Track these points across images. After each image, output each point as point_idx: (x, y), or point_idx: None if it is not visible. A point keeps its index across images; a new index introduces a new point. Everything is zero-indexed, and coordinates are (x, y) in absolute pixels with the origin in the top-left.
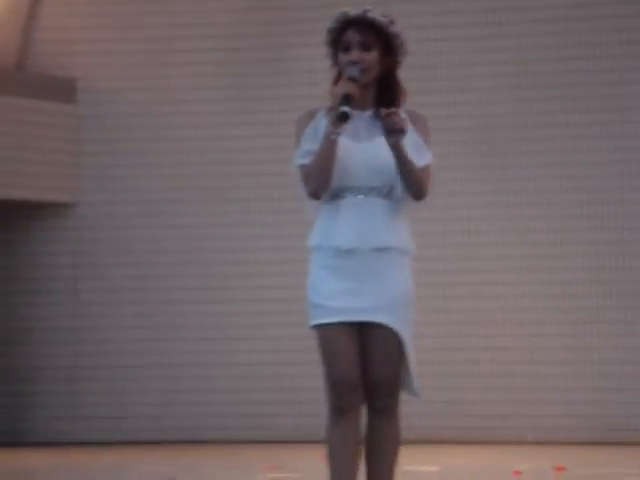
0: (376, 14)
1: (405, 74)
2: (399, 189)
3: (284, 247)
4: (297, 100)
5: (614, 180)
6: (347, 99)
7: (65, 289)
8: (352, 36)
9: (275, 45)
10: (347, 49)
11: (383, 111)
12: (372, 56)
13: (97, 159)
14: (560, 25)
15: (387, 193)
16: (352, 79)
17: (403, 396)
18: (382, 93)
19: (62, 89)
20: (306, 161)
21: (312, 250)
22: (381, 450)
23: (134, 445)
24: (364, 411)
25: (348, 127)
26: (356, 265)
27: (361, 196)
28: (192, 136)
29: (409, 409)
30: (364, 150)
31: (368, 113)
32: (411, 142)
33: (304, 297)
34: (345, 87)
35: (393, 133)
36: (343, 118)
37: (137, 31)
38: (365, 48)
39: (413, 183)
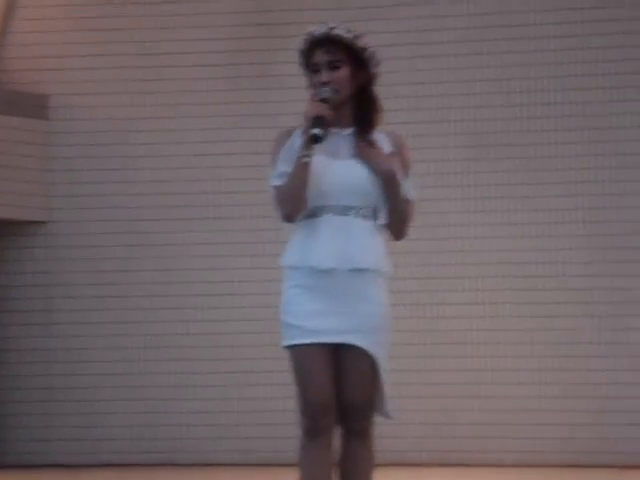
0: (341, 30)
1: (394, 78)
2: (382, 211)
3: (261, 266)
4: (280, 117)
5: (606, 200)
6: (318, 121)
7: (37, 309)
8: (320, 57)
9: (254, 62)
10: (317, 70)
11: (358, 148)
12: (342, 74)
13: (69, 176)
14: (550, 29)
15: (365, 213)
16: (323, 100)
17: (377, 418)
18: (359, 111)
19: (34, 105)
20: (280, 183)
21: (287, 269)
22: (355, 472)
23: (109, 467)
24: (337, 433)
25: (327, 145)
26: (332, 286)
27: (338, 216)
28: (167, 153)
29: (384, 431)
30: (342, 169)
31: (347, 131)
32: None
33: (277, 317)
34: (316, 109)
35: (381, 173)
36: (314, 140)
37: (110, 47)
38: (334, 67)
39: (398, 221)
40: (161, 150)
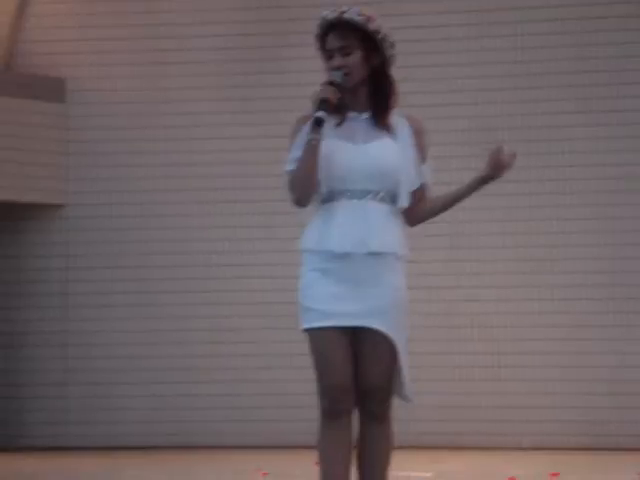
0: (352, 14)
1: (401, 73)
2: (402, 196)
3: (275, 249)
4: (289, 101)
5: (613, 184)
6: (324, 103)
7: (54, 292)
8: (332, 42)
9: (270, 45)
10: (330, 56)
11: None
12: (354, 59)
13: (86, 159)
14: (557, 25)
15: (383, 197)
16: (331, 83)
17: (396, 401)
18: (374, 94)
19: (51, 89)
20: (292, 168)
21: (304, 253)
22: (373, 455)
23: (124, 450)
24: (356, 415)
25: (344, 129)
26: (350, 269)
27: (356, 199)
28: (183, 136)
29: (402, 414)
30: (360, 152)
31: (365, 115)
32: (410, 157)
33: (295, 300)
34: (323, 91)
35: (493, 177)
36: (318, 123)
37: (126, 30)
38: (346, 52)
39: (428, 218)
40: (176, 133)
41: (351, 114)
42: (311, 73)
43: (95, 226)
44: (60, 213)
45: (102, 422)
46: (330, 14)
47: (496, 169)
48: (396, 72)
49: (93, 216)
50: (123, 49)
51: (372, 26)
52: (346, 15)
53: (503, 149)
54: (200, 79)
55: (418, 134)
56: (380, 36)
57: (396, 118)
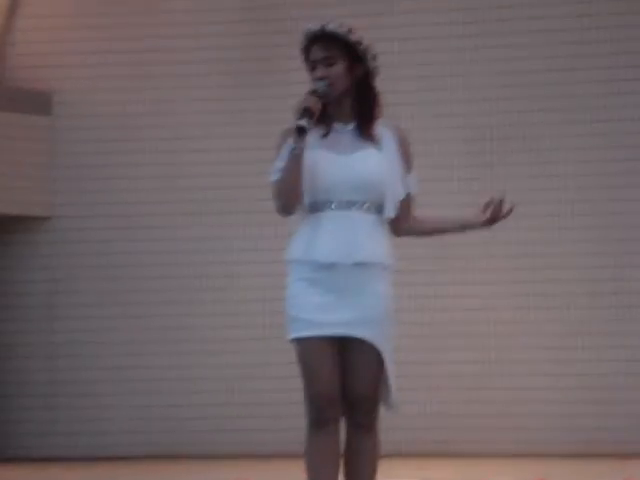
0: (334, 26)
1: (393, 86)
2: (388, 207)
3: (263, 260)
4: (282, 113)
5: (609, 192)
6: (306, 112)
7: (40, 304)
8: (315, 53)
9: (260, 58)
10: (314, 67)
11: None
12: (337, 69)
13: (72, 172)
14: (552, 30)
15: (369, 207)
16: (314, 92)
17: (382, 409)
18: (359, 105)
19: (37, 102)
20: (277, 177)
21: (291, 263)
22: (360, 464)
23: (111, 460)
24: (343, 425)
25: (330, 140)
26: (336, 279)
27: (342, 210)
28: (169, 149)
29: (388, 423)
30: (345, 163)
31: (350, 126)
32: (396, 167)
33: (281, 310)
34: (305, 101)
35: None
36: (300, 132)
37: (113, 43)
38: (329, 63)
39: (419, 236)
40: (163, 146)
41: (336, 125)
42: (300, 85)
43: (81, 238)
44: (46, 225)
45: (89, 433)
46: (313, 26)
47: (493, 219)
48: (384, 84)
49: (79, 228)
50: (109, 62)
51: (354, 37)
52: (328, 27)
53: (504, 200)
54: (187, 91)
55: (403, 144)
56: (362, 47)
57: (381, 128)
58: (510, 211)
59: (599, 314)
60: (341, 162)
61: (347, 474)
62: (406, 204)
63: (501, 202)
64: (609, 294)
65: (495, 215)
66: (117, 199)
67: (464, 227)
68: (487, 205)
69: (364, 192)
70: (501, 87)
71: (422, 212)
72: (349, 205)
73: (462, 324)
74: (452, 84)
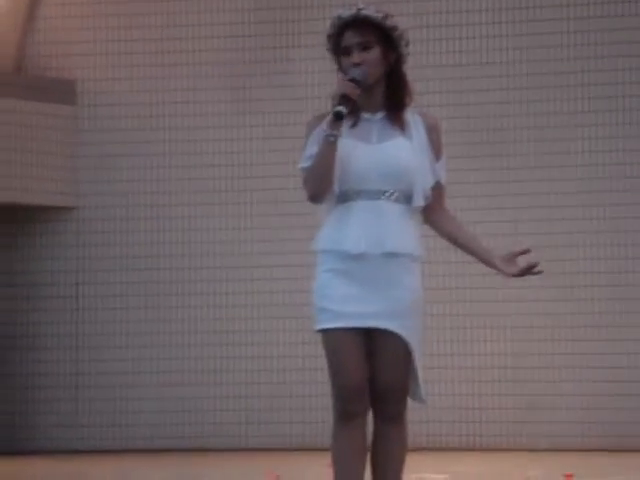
0: (370, 11)
1: (408, 73)
2: (417, 196)
3: (289, 251)
4: (299, 102)
5: (622, 182)
6: (344, 99)
7: (65, 294)
8: (350, 38)
9: (278, 46)
10: (348, 52)
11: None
12: (373, 55)
13: (96, 162)
14: (561, 24)
15: (398, 197)
16: (352, 80)
17: (410, 402)
18: (390, 93)
19: (61, 91)
20: (307, 164)
21: (319, 254)
22: (387, 457)
23: (135, 453)
24: (370, 417)
25: (359, 130)
26: (365, 270)
27: (371, 200)
28: (193, 138)
29: (416, 416)
30: (375, 153)
31: (379, 116)
32: (426, 157)
33: (308, 302)
34: (343, 87)
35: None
36: (338, 117)
37: (136, 32)
38: (365, 48)
39: (444, 238)
40: (186, 135)
41: (365, 115)
42: (318, 74)
43: (106, 228)
44: (71, 215)
45: (113, 425)
46: (346, 12)
47: (510, 270)
48: (409, 72)
49: (104, 218)
50: (133, 51)
51: (389, 23)
52: (364, 12)
53: (529, 253)
54: (209, 80)
55: (432, 131)
56: (397, 33)
57: (410, 116)
58: (538, 272)
59: (624, 306)
60: (370, 151)
61: (374, 467)
62: (436, 192)
63: (524, 254)
64: (632, 285)
65: (523, 273)
66: (142, 189)
67: (483, 261)
68: (516, 255)
69: (394, 181)
70: (507, 90)
71: (461, 224)
72: (378, 195)
73: (490, 316)
74: (462, 86)
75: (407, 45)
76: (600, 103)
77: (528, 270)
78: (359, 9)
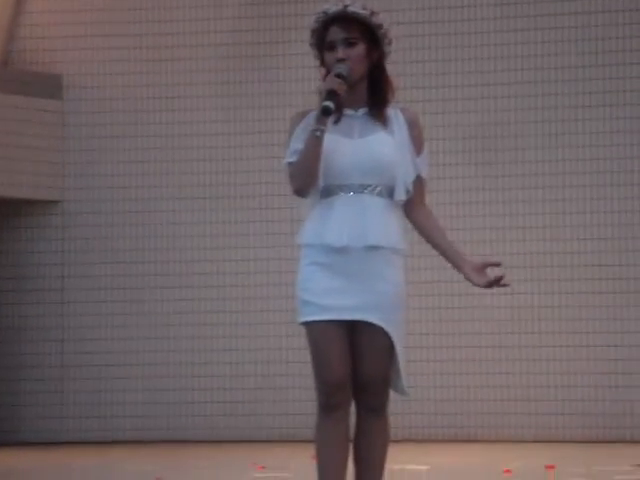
0: (356, 7)
1: (398, 69)
2: (399, 190)
3: (272, 244)
4: (287, 96)
5: (623, 176)
6: (331, 94)
7: (51, 287)
8: (336, 34)
9: (266, 41)
10: (332, 47)
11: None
12: (358, 51)
13: (82, 156)
14: (562, 19)
15: (380, 191)
16: (339, 75)
17: (392, 394)
18: (372, 89)
19: (47, 85)
20: (293, 159)
21: (302, 247)
22: (370, 448)
23: (120, 444)
24: (353, 409)
25: (341, 125)
26: (348, 263)
27: (354, 194)
28: (178, 133)
29: (398, 407)
30: (357, 147)
31: (361, 111)
32: (407, 151)
33: (292, 295)
34: (330, 83)
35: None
36: (325, 112)
37: (123, 27)
38: (350, 44)
39: (422, 236)
40: (173, 130)
41: (347, 111)
42: (308, 69)
43: (91, 222)
44: (56, 209)
45: (98, 416)
46: (333, 7)
47: (479, 280)
48: (392, 68)
49: (89, 212)
50: (119, 45)
51: (376, 20)
52: (350, 8)
53: (499, 266)
54: (197, 75)
55: (413, 126)
56: (382, 31)
57: (391, 111)
58: (504, 285)
59: (619, 299)
60: (353, 146)
61: (357, 459)
62: (417, 186)
63: (501, 278)
64: (628, 279)
65: (491, 285)
66: (127, 183)
67: (457, 269)
68: (487, 266)
69: (376, 176)
70: (502, 85)
71: (438, 223)
72: (361, 189)
73: (474, 308)
74: (454, 81)
75: (390, 43)
76: (601, 98)
77: (496, 282)
78: (346, 5)
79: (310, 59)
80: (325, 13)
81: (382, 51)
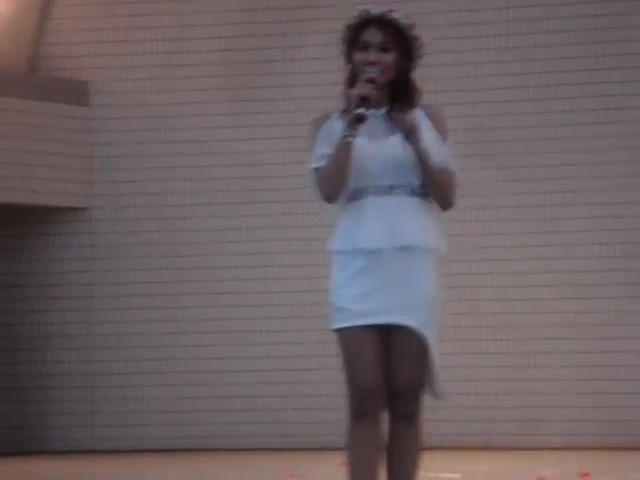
0: (398, 15)
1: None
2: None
3: (299, 250)
4: (312, 101)
5: (631, 180)
6: (364, 101)
7: (79, 295)
8: (372, 35)
9: (279, 46)
10: (364, 48)
11: (393, 115)
12: (390, 57)
13: (110, 162)
14: (570, 22)
15: (412, 190)
16: (370, 80)
17: (427, 402)
18: (396, 94)
19: (74, 92)
20: (320, 165)
21: (334, 254)
22: (402, 456)
23: (148, 453)
24: (385, 416)
25: (364, 127)
26: (381, 266)
27: (383, 196)
28: (205, 138)
29: (431, 415)
30: (381, 148)
31: (381, 111)
32: (427, 139)
33: (319, 301)
34: (362, 88)
35: (407, 133)
36: (360, 120)
37: (147, 32)
38: (384, 49)
39: (436, 189)
40: (199, 135)
41: (370, 111)
42: (321, 74)
43: (120, 229)
44: (84, 216)
45: (127, 425)
46: (375, 9)
47: (402, 126)
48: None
49: (117, 219)
50: (144, 51)
51: (414, 32)
52: (393, 14)
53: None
54: (222, 80)
55: (432, 117)
56: (417, 44)
57: (418, 112)
58: (411, 118)
59: (633, 304)
60: (376, 147)
61: (389, 466)
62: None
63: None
64: None
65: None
66: (155, 189)
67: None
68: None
69: (404, 175)
70: (502, 89)
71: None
72: (390, 190)
73: (504, 315)
74: (467, 84)
75: (420, 58)
76: (596, 102)
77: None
78: (390, 10)
79: (324, 64)
80: (367, 12)
81: (411, 63)
